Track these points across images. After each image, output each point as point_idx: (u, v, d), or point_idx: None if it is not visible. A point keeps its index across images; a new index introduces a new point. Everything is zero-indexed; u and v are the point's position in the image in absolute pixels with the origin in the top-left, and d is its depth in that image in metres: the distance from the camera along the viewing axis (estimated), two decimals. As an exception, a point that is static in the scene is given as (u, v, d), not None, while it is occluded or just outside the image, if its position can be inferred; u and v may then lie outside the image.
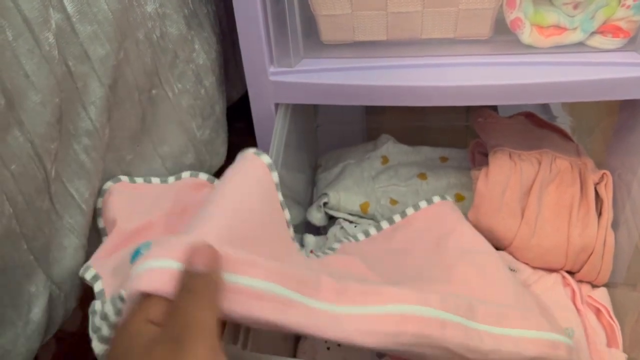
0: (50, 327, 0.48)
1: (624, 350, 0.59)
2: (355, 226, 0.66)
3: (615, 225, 0.64)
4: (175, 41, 0.54)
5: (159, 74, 0.53)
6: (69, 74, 0.45)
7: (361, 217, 0.69)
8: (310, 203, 0.75)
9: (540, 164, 0.66)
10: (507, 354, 0.42)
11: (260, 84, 0.58)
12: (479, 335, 0.41)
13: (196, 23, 0.57)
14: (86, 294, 0.52)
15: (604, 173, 0.65)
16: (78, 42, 0.45)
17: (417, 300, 0.39)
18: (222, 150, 0.63)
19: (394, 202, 0.71)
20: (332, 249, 0.57)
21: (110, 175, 0.53)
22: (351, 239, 0.60)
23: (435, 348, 0.39)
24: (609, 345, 0.60)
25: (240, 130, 0.67)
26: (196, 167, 0.59)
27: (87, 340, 0.76)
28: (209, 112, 0.60)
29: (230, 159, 0.92)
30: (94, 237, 0.53)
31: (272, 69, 0.58)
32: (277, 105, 0.61)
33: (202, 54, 0.58)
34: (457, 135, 0.88)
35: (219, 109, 0.62)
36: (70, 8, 0.44)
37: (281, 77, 0.58)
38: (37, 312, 0.45)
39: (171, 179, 0.56)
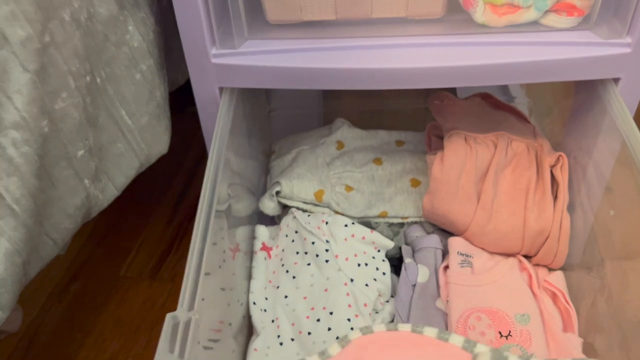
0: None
1: (580, 335, 0.59)
2: (308, 215, 0.64)
3: (570, 208, 0.63)
4: (105, 22, 0.50)
5: (90, 58, 0.49)
6: (-16, 59, 0.41)
7: (316, 205, 0.67)
8: (264, 192, 0.72)
9: (496, 146, 0.64)
10: None
11: (202, 66, 0.55)
12: None
13: (130, 3, 0.53)
14: (23, 296, 0.49)
15: (560, 155, 0.64)
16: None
17: None
18: (164, 137, 0.59)
19: (349, 188, 0.69)
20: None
21: (59, 175, 0.48)
22: None
23: None
24: (564, 329, 0.60)
25: (193, 115, 0.64)
26: (128, 158, 0.55)
27: (28, 339, 0.72)
28: (147, 98, 0.56)
29: (182, 145, 0.89)
30: (46, 242, 0.49)
31: (214, 51, 0.55)
32: (221, 89, 0.57)
33: (137, 35, 0.54)
34: (417, 117, 0.87)
35: (160, 93, 0.58)
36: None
37: (224, 60, 0.55)
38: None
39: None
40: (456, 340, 0.39)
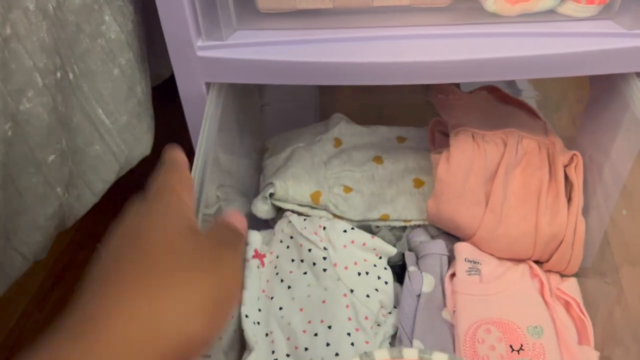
0: None
1: (596, 347, 0.55)
2: (304, 219, 0.59)
3: (585, 210, 0.59)
4: (77, 12, 0.45)
5: (60, 52, 0.44)
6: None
7: (312, 207, 0.62)
8: (257, 192, 0.67)
9: (505, 145, 0.60)
10: None
11: (187, 60, 0.50)
12: None
13: (106, -11, 0.48)
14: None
15: (574, 154, 0.60)
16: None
17: None
18: (146, 138, 0.55)
19: (348, 189, 0.64)
20: None
21: (27, 183, 0.43)
22: None
23: None
24: (579, 342, 0.56)
25: (178, 108, 0.59)
26: (106, 161, 0.51)
27: (7, 351, 0.68)
28: (127, 95, 0.51)
29: (170, 140, 0.84)
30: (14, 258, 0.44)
31: (199, 43, 0.50)
32: (208, 84, 0.53)
33: (115, 26, 0.49)
34: (418, 112, 0.82)
35: (141, 89, 0.53)
36: None
37: (211, 53, 0.50)
38: None
39: None
40: None
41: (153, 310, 0.27)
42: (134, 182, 0.67)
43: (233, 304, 0.32)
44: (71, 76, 0.46)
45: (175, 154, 0.38)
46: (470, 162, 0.58)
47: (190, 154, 0.99)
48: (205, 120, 0.49)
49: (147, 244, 0.29)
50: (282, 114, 0.81)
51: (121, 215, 0.33)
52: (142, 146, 0.54)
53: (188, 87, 0.52)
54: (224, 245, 0.32)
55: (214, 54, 0.50)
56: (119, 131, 0.51)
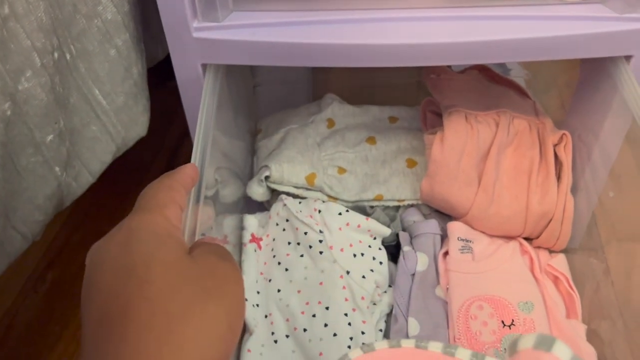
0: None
1: (583, 321, 0.57)
2: (299, 202, 0.60)
3: (574, 190, 0.60)
4: (73, -8, 0.45)
5: (57, 32, 0.44)
6: None
7: (307, 189, 0.63)
8: (251, 174, 0.68)
9: (497, 125, 0.61)
10: None
11: (183, 42, 0.50)
12: None
13: (102, -31, 0.48)
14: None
15: (564, 134, 0.61)
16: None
17: None
18: (142, 119, 0.55)
19: (342, 170, 0.65)
20: None
21: (26, 163, 0.43)
22: None
23: None
24: (568, 316, 0.57)
25: (174, 90, 0.59)
26: (103, 141, 0.51)
27: (3, 332, 0.68)
28: (123, 76, 0.51)
29: (162, 123, 0.84)
30: (13, 237, 0.44)
31: (195, 24, 0.50)
32: (204, 66, 0.53)
33: (111, 6, 0.48)
34: (409, 91, 0.83)
35: (137, 71, 0.53)
36: None
37: (207, 34, 0.50)
38: None
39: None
40: (463, 354, 0.36)
41: (175, 347, 0.26)
42: (130, 159, 0.68)
43: (242, 323, 0.31)
44: (68, 56, 0.46)
45: (186, 170, 0.37)
46: (463, 142, 0.59)
47: (181, 137, 0.99)
48: (204, 101, 0.50)
49: (147, 281, 0.28)
50: (275, 95, 0.81)
51: (101, 241, 0.31)
52: (138, 127, 0.54)
53: (184, 69, 0.52)
54: (222, 258, 0.31)
55: (210, 35, 0.50)
56: (115, 112, 0.51)
